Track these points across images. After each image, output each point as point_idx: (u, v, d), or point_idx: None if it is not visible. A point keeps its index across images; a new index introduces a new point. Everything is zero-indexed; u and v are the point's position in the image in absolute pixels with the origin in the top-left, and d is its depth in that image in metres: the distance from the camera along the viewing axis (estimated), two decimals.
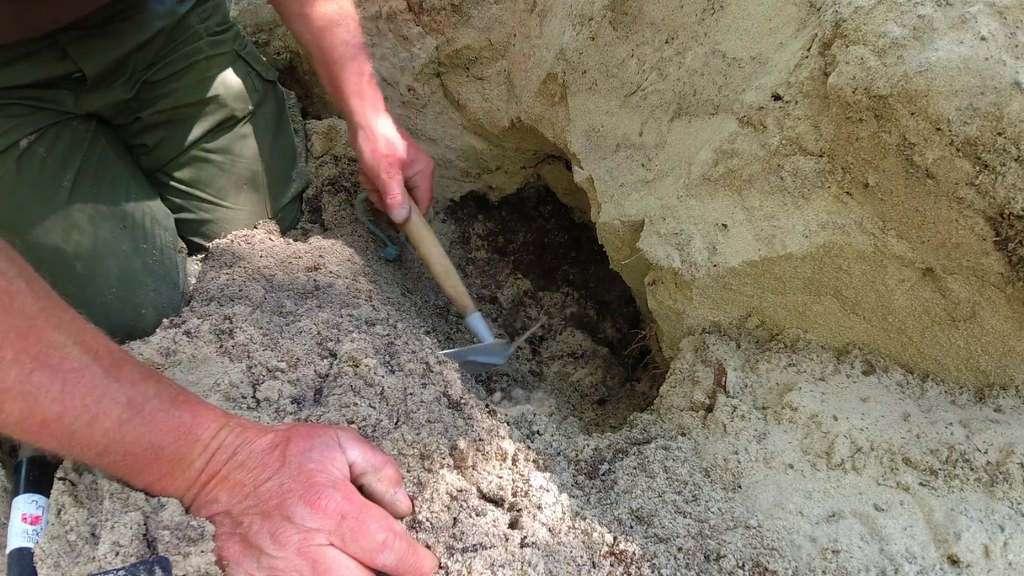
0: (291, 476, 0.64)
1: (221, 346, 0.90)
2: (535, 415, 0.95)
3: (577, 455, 0.90)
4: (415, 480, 0.75)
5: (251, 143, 1.30)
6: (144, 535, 0.69)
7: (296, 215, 1.40)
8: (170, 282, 1.12)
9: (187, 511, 0.65)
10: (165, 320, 1.03)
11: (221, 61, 1.27)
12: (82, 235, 1.04)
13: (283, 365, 0.88)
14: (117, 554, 0.66)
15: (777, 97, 0.87)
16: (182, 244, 1.23)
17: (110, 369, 0.62)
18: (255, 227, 1.30)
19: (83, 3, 1.04)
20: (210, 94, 1.24)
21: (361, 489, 0.69)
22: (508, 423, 0.90)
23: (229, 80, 1.27)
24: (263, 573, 0.61)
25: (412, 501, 0.74)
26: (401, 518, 0.71)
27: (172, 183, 1.25)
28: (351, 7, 1.24)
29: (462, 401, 0.88)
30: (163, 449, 0.63)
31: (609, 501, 0.83)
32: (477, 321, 1.26)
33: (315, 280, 1.10)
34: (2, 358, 0.57)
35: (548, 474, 0.82)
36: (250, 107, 1.29)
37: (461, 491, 0.76)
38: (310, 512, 0.62)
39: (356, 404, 0.82)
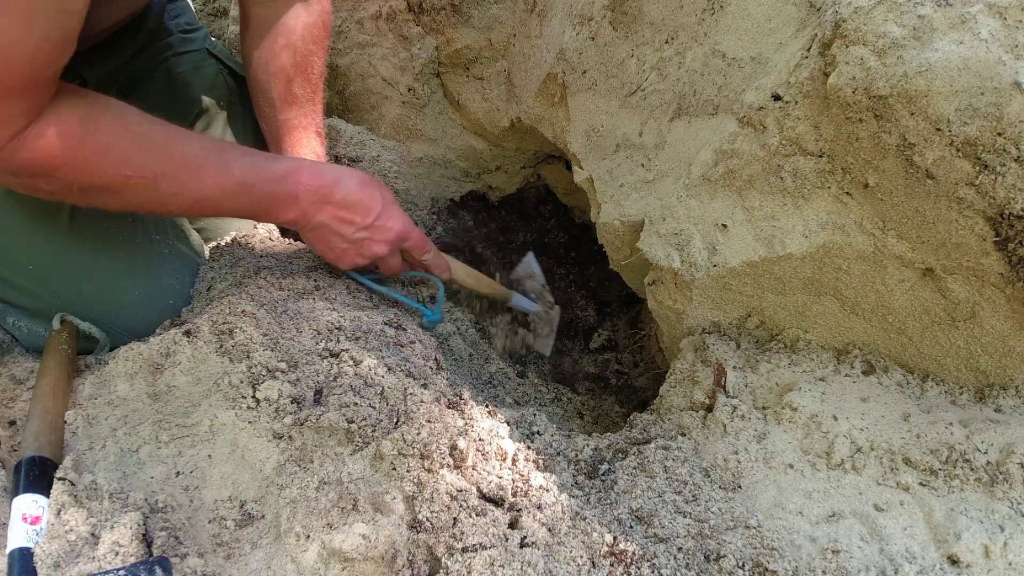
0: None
1: (221, 346, 0.90)
2: (535, 415, 0.96)
3: (577, 455, 0.90)
4: (415, 480, 0.75)
5: (229, 139, 1.29)
6: (144, 535, 0.69)
7: None
8: (192, 267, 1.12)
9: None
10: (166, 320, 1.03)
11: (191, 58, 1.27)
12: (95, 233, 1.04)
13: (283, 365, 0.88)
14: (117, 554, 0.66)
15: (777, 97, 0.87)
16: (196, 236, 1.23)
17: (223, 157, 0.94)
18: (255, 227, 1.30)
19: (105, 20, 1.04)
20: (180, 91, 1.24)
21: None
22: (508, 423, 0.90)
23: (199, 76, 1.27)
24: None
25: (412, 501, 0.74)
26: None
27: None
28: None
29: (462, 401, 0.88)
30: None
31: (609, 501, 0.83)
32: (519, 300, 1.42)
33: (315, 280, 1.10)
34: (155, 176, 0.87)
35: (548, 474, 0.82)
36: (222, 103, 1.29)
37: (461, 491, 0.76)
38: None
39: (356, 404, 0.82)
